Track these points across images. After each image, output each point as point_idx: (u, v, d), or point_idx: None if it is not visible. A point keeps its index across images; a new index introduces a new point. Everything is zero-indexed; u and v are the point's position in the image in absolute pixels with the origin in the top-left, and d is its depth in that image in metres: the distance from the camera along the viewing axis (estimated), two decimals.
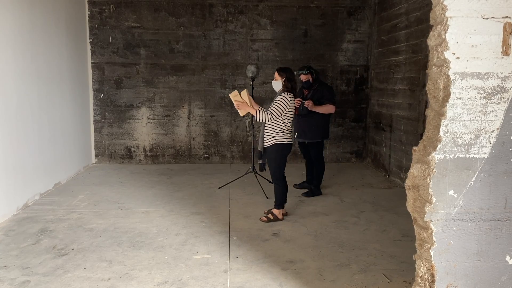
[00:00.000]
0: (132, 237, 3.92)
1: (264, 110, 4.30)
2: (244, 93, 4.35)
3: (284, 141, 4.31)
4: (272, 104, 4.29)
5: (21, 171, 4.71)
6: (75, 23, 6.41)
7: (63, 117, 5.97)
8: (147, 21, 6.95)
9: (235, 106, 4.37)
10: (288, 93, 4.29)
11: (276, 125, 4.29)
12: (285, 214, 4.53)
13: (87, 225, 4.24)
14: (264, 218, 4.39)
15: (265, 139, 4.35)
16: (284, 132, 4.31)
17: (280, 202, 4.42)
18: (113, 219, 4.41)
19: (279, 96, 4.28)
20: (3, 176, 4.36)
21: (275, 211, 4.42)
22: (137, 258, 3.48)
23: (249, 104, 4.35)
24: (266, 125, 4.33)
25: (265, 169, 4.64)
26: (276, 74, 4.40)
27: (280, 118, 4.27)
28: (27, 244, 3.76)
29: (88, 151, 7.04)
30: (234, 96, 4.34)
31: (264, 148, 4.40)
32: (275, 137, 4.29)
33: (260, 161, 4.53)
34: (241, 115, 4.44)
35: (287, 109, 4.26)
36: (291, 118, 4.37)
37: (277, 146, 4.30)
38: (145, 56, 7.02)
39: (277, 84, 4.38)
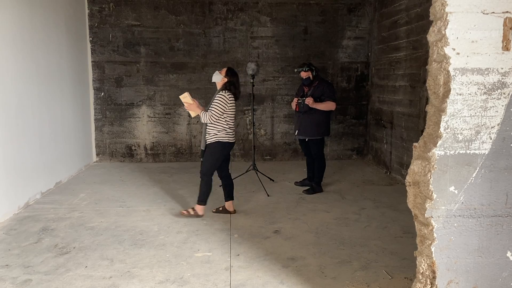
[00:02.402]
0: (133, 236, 3.93)
1: (206, 112, 4.25)
2: (186, 95, 4.26)
3: (225, 139, 4.28)
4: (211, 104, 4.24)
5: (22, 170, 4.72)
6: (75, 22, 6.41)
7: (64, 116, 5.97)
8: (147, 19, 6.94)
9: (185, 107, 4.32)
10: (227, 92, 4.25)
11: (218, 124, 4.25)
12: (233, 212, 4.53)
13: (88, 223, 4.25)
14: (185, 212, 4.41)
15: (207, 136, 4.31)
16: (226, 131, 4.28)
17: (203, 198, 4.38)
18: (114, 218, 4.42)
19: (217, 96, 4.24)
20: (4, 175, 4.37)
21: (197, 207, 4.39)
22: (139, 256, 3.49)
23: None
24: (208, 124, 4.29)
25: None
26: (224, 70, 4.33)
27: (222, 117, 4.24)
28: (28, 243, 3.76)
29: (89, 149, 7.04)
30: (183, 97, 4.29)
31: (206, 145, 4.34)
32: (217, 135, 4.26)
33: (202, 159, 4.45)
34: (192, 116, 4.38)
35: (227, 108, 4.22)
36: (233, 117, 4.33)
37: (218, 143, 4.27)
38: (145, 54, 7.01)
39: (218, 77, 4.31)
